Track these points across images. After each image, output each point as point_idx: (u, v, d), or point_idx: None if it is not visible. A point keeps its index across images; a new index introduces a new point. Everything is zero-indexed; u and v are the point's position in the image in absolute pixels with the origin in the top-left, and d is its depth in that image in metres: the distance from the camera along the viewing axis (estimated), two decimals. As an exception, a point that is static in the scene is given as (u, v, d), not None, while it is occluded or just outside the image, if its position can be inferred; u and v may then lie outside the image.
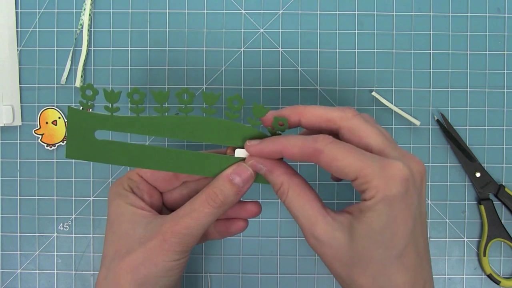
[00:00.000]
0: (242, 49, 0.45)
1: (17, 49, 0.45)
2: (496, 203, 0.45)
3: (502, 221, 0.44)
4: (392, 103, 0.45)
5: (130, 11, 0.45)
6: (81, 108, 0.32)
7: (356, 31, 0.45)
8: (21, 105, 0.45)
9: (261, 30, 0.45)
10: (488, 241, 0.44)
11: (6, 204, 0.45)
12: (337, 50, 0.45)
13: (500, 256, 0.45)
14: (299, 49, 0.45)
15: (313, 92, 0.45)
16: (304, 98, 0.45)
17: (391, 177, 0.28)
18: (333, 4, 0.45)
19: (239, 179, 0.32)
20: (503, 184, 0.45)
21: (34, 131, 0.45)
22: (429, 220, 0.45)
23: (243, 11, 0.45)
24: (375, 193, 0.28)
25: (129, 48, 0.45)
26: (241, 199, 0.35)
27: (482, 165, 0.45)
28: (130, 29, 0.45)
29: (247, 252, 0.45)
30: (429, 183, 0.45)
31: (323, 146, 0.29)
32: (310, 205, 0.31)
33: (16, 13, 0.45)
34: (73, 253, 0.45)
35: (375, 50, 0.45)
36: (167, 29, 0.45)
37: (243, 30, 0.45)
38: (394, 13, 0.45)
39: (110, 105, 0.31)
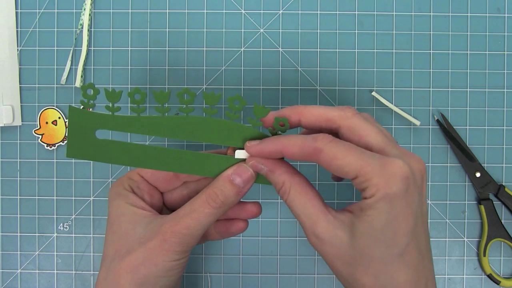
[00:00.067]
0: (242, 49, 0.45)
1: (17, 49, 0.45)
2: (496, 203, 0.45)
3: (502, 221, 0.44)
4: (392, 103, 0.45)
5: (130, 11, 0.45)
6: (81, 107, 0.32)
7: (356, 31, 0.45)
8: (21, 105, 0.45)
9: (261, 30, 0.45)
10: (488, 241, 0.44)
11: (6, 204, 0.45)
12: (337, 50, 0.45)
13: (500, 256, 0.45)
14: (299, 49, 0.45)
15: (313, 92, 0.45)
16: (304, 98, 0.45)
17: (391, 175, 0.28)
18: (333, 4, 0.45)
19: (239, 179, 0.32)
20: (503, 184, 0.45)
21: (34, 131, 0.45)
22: (429, 220, 0.45)
23: (243, 11, 0.45)
24: (376, 191, 0.28)
25: (129, 48, 0.45)
26: (241, 200, 0.35)
27: (482, 165, 0.45)
28: (130, 29, 0.45)
29: (247, 252, 0.45)
30: (429, 183, 0.45)
31: (323, 145, 0.29)
32: (312, 203, 0.31)
33: (16, 13, 0.45)
34: (73, 253, 0.45)
35: (375, 50, 0.45)
36: (167, 29, 0.45)
37: (243, 30, 0.45)
38: (394, 13, 0.45)
39: (111, 104, 0.31)
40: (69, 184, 0.45)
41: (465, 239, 0.45)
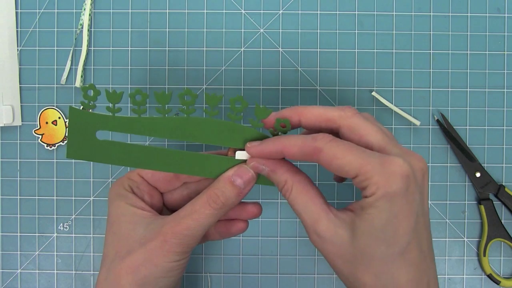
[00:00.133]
0: (242, 49, 0.45)
1: (17, 49, 0.45)
2: (496, 203, 0.45)
3: (502, 221, 0.44)
4: (392, 103, 0.45)
5: (130, 11, 0.45)
6: (81, 108, 0.32)
7: (356, 31, 0.45)
8: (21, 105, 0.45)
9: (261, 30, 0.45)
10: (488, 241, 0.44)
11: (6, 204, 0.45)
12: (337, 50, 0.45)
13: (500, 256, 0.45)
14: (299, 49, 0.45)
15: (313, 92, 0.45)
16: (304, 98, 0.45)
17: (391, 174, 0.28)
18: (333, 4, 0.45)
19: (240, 180, 0.32)
20: (503, 184, 0.45)
21: (34, 131, 0.45)
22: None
23: (243, 11, 0.45)
24: (376, 190, 0.28)
25: (129, 48, 0.45)
26: (242, 200, 0.35)
27: (482, 165, 0.45)
28: (130, 29, 0.45)
29: (247, 252, 0.45)
30: (429, 183, 0.45)
31: (322, 145, 0.29)
32: (313, 202, 0.31)
33: (16, 13, 0.45)
34: (73, 253, 0.45)
35: (375, 50, 0.45)
36: (167, 29, 0.45)
37: (243, 30, 0.45)
38: (394, 13, 0.45)
39: (111, 105, 0.31)
40: (69, 184, 0.45)
41: (465, 239, 0.45)
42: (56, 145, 0.45)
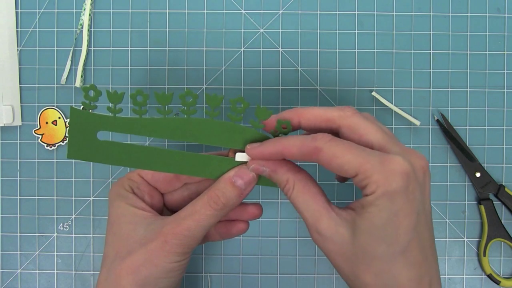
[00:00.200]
0: (242, 49, 0.45)
1: (17, 49, 0.45)
2: (496, 203, 0.45)
3: (502, 221, 0.44)
4: (392, 103, 0.45)
5: (130, 11, 0.45)
6: (82, 108, 0.32)
7: (356, 31, 0.45)
8: (21, 105, 0.45)
9: (261, 30, 0.45)
10: (488, 241, 0.44)
11: (6, 204, 0.45)
12: (337, 50, 0.45)
13: (500, 256, 0.45)
14: (299, 49, 0.45)
15: (313, 92, 0.45)
16: (304, 98, 0.45)
17: (391, 172, 0.28)
18: (333, 4, 0.45)
19: (241, 181, 0.32)
20: (503, 184, 0.45)
21: (34, 131, 0.45)
22: (429, 220, 0.45)
23: (243, 11, 0.45)
24: (376, 188, 0.28)
25: (129, 48, 0.45)
26: (243, 201, 0.35)
27: (482, 165, 0.45)
28: (130, 29, 0.45)
29: (247, 252, 0.45)
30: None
31: (322, 144, 0.29)
32: (315, 200, 0.30)
33: (16, 13, 0.45)
34: (73, 253, 0.45)
35: (375, 50, 0.45)
36: (167, 29, 0.45)
37: (243, 30, 0.45)
38: (394, 13, 0.45)
39: (112, 106, 0.31)
40: (69, 184, 0.45)
41: (465, 239, 0.45)
42: (56, 145, 0.45)
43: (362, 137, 0.30)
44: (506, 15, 0.45)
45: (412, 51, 0.45)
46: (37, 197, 0.45)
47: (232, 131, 0.32)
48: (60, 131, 0.45)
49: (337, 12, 0.45)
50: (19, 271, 0.45)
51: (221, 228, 0.37)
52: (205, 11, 0.45)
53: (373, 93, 0.44)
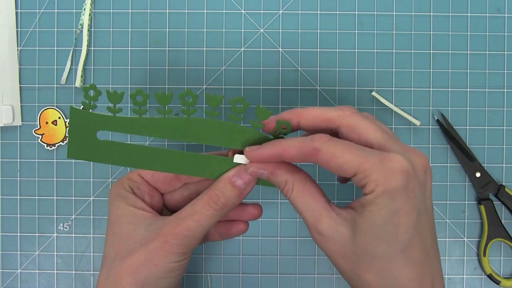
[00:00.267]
0: (242, 49, 0.45)
1: (17, 49, 0.45)
2: (496, 203, 0.45)
3: (502, 221, 0.44)
4: (392, 103, 0.45)
5: (130, 11, 0.45)
6: (82, 108, 0.32)
7: (356, 31, 0.45)
8: (21, 105, 0.45)
9: (261, 30, 0.45)
10: (488, 241, 0.44)
11: (6, 204, 0.45)
12: (337, 50, 0.45)
13: (500, 256, 0.45)
14: (299, 49, 0.45)
15: (313, 92, 0.45)
16: (304, 98, 0.45)
17: (390, 170, 0.28)
18: (333, 4, 0.45)
19: (241, 181, 0.32)
20: (503, 184, 0.45)
21: (34, 131, 0.45)
22: (429, 220, 0.45)
23: (243, 11, 0.45)
24: (375, 187, 0.28)
25: (129, 48, 0.45)
26: (242, 201, 0.35)
27: (482, 165, 0.45)
28: (130, 29, 0.45)
29: (247, 252, 0.45)
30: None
31: (320, 145, 0.29)
32: (314, 200, 0.30)
33: (16, 13, 0.45)
34: (73, 253, 0.45)
35: (375, 50, 0.45)
36: (167, 29, 0.45)
37: (243, 30, 0.45)
38: (394, 13, 0.45)
39: (112, 106, 0.31)
40: (69, 184, 0.45)
41: (465, 239, 0.45)
42: (56, 145, 0.45)
43: (361, 136, 0.30)
44: (506, 15, 0.45)
45: (412, 51, 0.45)
46: (37, 197, 0.45)
47: (232, 131, 0.32)
48: (60, 131, 0.45)
49: (337, 12, 0.45)
50: (19, 271, 0.45)
51: (221, 228, 0.37)
52: (205, 11, 0.45)
53: (373, 93, 0.44)
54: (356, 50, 0.45)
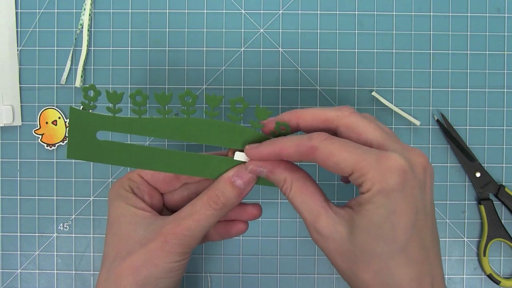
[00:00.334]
0: (242, 49, 0.45)
1: (17, 49, 0.45)
2: (496, 203, 0.45)
3: (502, 221, 0.44)
4: (392, 103, 0.45)
5: (130, 11, 0.45)
6: (82, 108, 0.32)
7: (356, 31, 0.45)
8: (21, 105, 0.45)
9: (261, 30, 0.45)
10: (488, 241, 0.44)
11: (6, 204, 0.45)
12: (337, 50, 0.45)
13: (500, 256, 0.45)
14: (299, 49, 0.45)
15: (313, 92, 0.45)
16: (304, 98, 0.45)
17: (387, 169, 0.27)
18: (333, 4, 0.45)
19: (240, 181, 0.32)
20: (503, 184, 0.45)
21: (34, 131, 0.45)
22: (429, 220, 0.45)
23: (243, 11, 0.45)
24: (371, 185, 0.28)
25: (129, 48, 0.45)
26: (242, 201, 0.35)
27: (482, 165, 0.45)
28: (130, 29, 0.45)
29: (247, 252, 0.45)
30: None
31: (318, 143, 0.29)
32: (313, 199, 0.30)
33: (16, 13, 0.45)
34: (73, 253, 0.45)
35: (375, 50, 0.45)
36: (167, 29, 0.45)
37: (243, 30, 0.45)
38: (394, 13, 0.45)
39: (112, 106, 0.31)
40: (69, 184, 0.45)
41: (465, 239, 0.45)
42: (56, 145, 0.45)
43: (360, 135, 0.30)
44: (506, 15, 0.45)
45: (412, 51, 0.45)
46: (37, 197, 0.45)
47: (232, 131, 0.32)
48: (60, 131, 0.45)
49: (337, 12, 0.45)
50: (19, 271, 0.45)
51: (221, 228, 0.37)
52: (205, 11, 0.45)
53: (373, 93, 0.44)
54: (356, 50, 0.45)
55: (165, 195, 0.37)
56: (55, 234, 0.45)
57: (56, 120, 0.45)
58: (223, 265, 0.45)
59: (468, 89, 0.45)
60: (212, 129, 0.32)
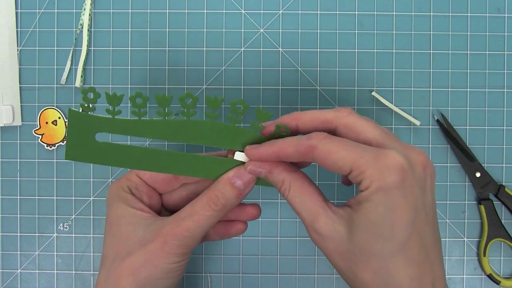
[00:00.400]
0: (242, 49, 0.45)
1: (17, 49, 0.45)
2: (496, 203, 0.45)
3: (502, 221, 0.44)
4: (392, 103, 0.45)
5: (130, 11, 0.45)
6: (81, 110, 0.31)
7: (356, 31, 0.45)
8: (21, 105, 0.45)
9: (261, 30, 0.45)
10: (488, 241, 0.44)
11: (6, 204, 0.45)
12: (337, 50, 0.45)
13: (500, 256, 0.45)
14: (299, 49, 0.45)
15: (313, 92, 0.45)
16: (304, 98, 0.45)
17: (385, 166, 0.27)
18: (333, 4, 0.45)
19: (240, 182, 0.32)
20: (503, 184, 0.45)
21: (34, 131, 0.45)
22: (429, 220, 0.45)
23: (243, 11, 0.45)
24: (370, 183, 0.27)
25: (129, 48, 0.45)
26: (241, 201, 0.35)
27: (482, 165, 0.45)
28: (130, 29, 0.45)
29: (247, 252, 0.45)
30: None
31: (316, 142, 0.29)
32: (311, 199, 0.30)
33: (16, 13, 0.45)
34: (73, 253, 0.45)
35: (375, 50, 0.45)
36: (167, 29, 0.45)
37: (243, 30, 0.45)
38: (394, 13, 0.45)
39: (111, 108, 0.31)
40: (69, 184, 0.45)
41: (465, 239, 0.45)
42: (56, 145, 0.45)
43: (359, 135, 0.30)
44: (506, 15, 0.45)
45: (412, 51, 0.45)
46: (37, 197, 0.45)
47: (232, 132, 0.32)
48: (60, 131, 0.45)
49: (337, 12, 0.45)
50: (19, 271, 0.45)
51: (220, 228, 0.37)
52: (205, 11, 0.45)
53: (373, 93, 0.44)
54: (356, 50, 0.45)
55: (164, 195, 0.37)
56: (55, 234, 0.45)
57: (56, 120, 0.45)
58: (223, 265, 0.45)
59: (468, 89, 0.45)
60: (212, 131, 0.32)
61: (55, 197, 0.45)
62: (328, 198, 0.31)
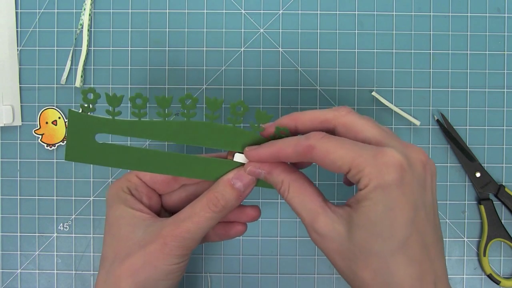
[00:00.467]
0: (242, 49, 0.45)
1: (17, 49, 0.45)
2: (496, 203, 0.45)
3: (502, 221, 0.44)
4: (392, 103, 0.45)
5: (130, 11, 0.45)
6: (80, 110, 0.31)
7: (356, 31, 0.45)
8: (21, 105, 0.45)
9: (261, 30, 0.45)
10: (488, 241, 0.44)
11: (6, 204, 0.45)
12: (337, 50, 0.45)
13: (500, 256, 0.45)
14: (299, 49, 0.45)
15: (313, 92, 0.45)
16: (304, 98, 0.45)
17: (384, 164, 0.27)
18: (333, 4, 0.45)
19: (240, 183, 0.32)
20: (503, 184, 0.45)
21: (34, 131, 0.45)
22: (429, 220, 0.45)
23: (243, 11, 0.45)
24: (368, 181, 0.27)
25: (129, 48, 0.45)
26: (241, 203, 0.35)
27: (482, 165, 0.45)
28: (130, 29, 0.45)
29: (247, 252, 0.45)
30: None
31: (315, 142, 0.29)
32: (311, 199, 0.30)
33: (16, 13, 0.45)
34: (73, 253, 0.45)
35: (375, 50, 0.45)
36: (167, 29, 0.45)
37: (243, 30, 0.45)
38: (394, 13, 0.45)
39: (111, 109, 0.31)
40: (69, 184, 0.45)
41: (465, 239, 0.45)
42: (56, 145, 0.45)
43: (358, 134, 0.30)
44: (506, 15, 0.45)
45: (412, 51, 0.45)
46: (37, 197, 0.45)
47: (232, 134, 0.32)
48: (60, 131, 0.45)
49: (337, 12, 0.45)
50: (19, 271, 0.45)
51: (220, 229, 0.37)
52: (205, 11, 0.45)
53: (373, 93, 0.44)
54: (356, 50, 0.45)
55: (163, 196, 0.37)
56: (55, 234, 0.45)
57: (56, 120, 0.45)
58: (223, 265, 0.45)
59: (468, 89, 0.45)
60: (212, 132, 0.32)
61: (55, 197, 0.45)
62: (328, 198, 0.31)
